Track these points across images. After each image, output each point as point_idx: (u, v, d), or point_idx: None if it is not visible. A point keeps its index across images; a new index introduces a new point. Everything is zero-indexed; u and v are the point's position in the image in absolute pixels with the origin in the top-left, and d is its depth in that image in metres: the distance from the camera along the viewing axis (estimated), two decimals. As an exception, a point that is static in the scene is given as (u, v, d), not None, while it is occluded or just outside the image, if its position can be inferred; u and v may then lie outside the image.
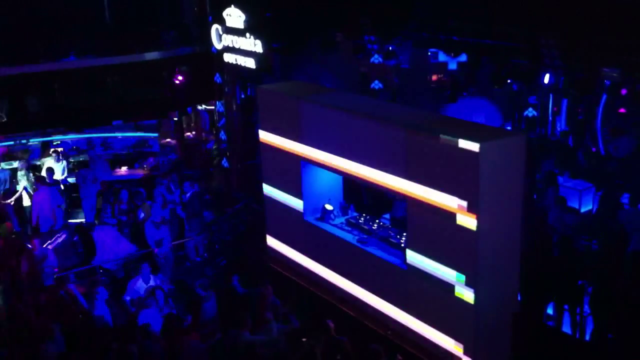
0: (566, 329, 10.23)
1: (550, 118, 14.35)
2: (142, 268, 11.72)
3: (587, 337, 10.03)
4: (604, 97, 14.18)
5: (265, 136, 11.93)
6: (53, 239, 13.56)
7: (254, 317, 9.61)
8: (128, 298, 11.49)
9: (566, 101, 14.72)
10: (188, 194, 14.89)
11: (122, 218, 14.62)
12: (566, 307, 10.23)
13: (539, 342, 9.30)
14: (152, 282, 11.56)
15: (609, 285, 9.63)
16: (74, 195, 16.45)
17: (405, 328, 9.68)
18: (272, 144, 11.73)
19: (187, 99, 19.66)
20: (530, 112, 12.94)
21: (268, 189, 12.23)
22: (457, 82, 17.53)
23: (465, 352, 8.80)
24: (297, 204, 11.49)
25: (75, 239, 14.38)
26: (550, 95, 13.67)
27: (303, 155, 10.98)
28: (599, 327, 9.80)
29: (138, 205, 14.48)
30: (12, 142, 18.05)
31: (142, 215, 14.13)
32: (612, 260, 10.23)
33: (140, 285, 11.54)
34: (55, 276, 12.37)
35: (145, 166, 17.76)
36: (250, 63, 15.90)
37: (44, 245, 13.14)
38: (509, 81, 13.36)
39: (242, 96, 18.27)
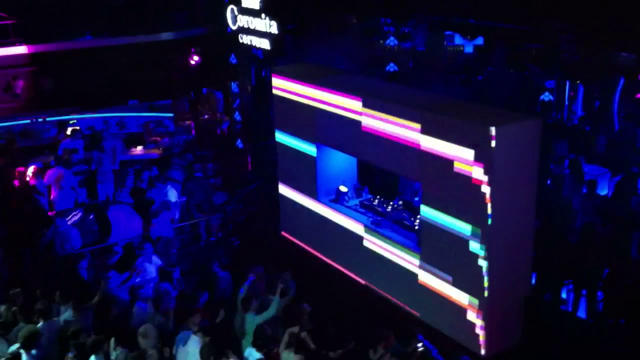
0: (581, 314, 10.26)
1: (567, 102, 14.25)
2: (145, 249, 11.49)
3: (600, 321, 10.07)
4: (622, 82, 14.05)
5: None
6: (69, 217, 13.64)
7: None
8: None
9: (583, 86, 14.61)
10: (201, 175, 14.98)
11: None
12: (584, 292, 10.24)
13: (553, 327, 9.35)
14: (154, 263, 11.43)
15: (621, 270, 9.66)
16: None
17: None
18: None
19: (201, 79, 19.70)
20: (546, 96, 12.87)
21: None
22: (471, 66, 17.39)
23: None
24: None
25: (90, 217, 14.46)
26: (567, 80, 13.58)
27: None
28: (611, 311, 9.83)
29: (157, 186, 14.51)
30: (27, 121, 18.17)
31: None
32: (625, 246, 10.25)
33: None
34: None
35: (160, 146, 17.83)
36: (265, 44, 15.90)
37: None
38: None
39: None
